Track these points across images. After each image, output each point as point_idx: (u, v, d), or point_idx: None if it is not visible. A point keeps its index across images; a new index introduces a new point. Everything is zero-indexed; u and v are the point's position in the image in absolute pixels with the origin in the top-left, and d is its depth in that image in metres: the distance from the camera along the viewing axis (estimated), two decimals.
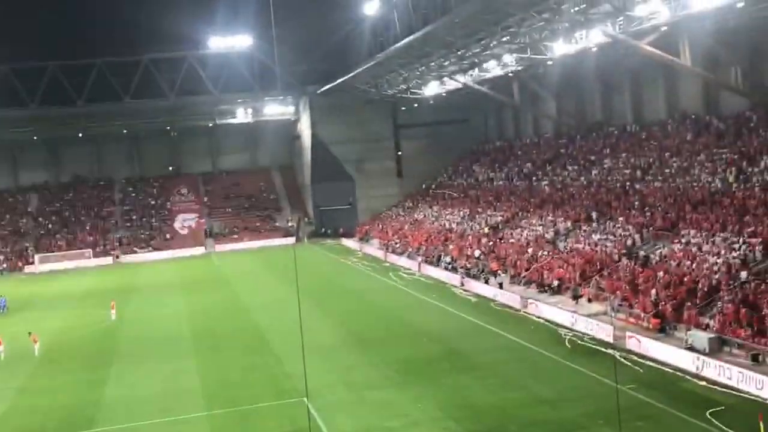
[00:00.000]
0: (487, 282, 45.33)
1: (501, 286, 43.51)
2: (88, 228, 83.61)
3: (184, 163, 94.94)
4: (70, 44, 79.28)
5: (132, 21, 79.00)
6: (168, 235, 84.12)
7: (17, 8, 79.46)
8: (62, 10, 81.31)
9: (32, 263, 75.46)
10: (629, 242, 41.24)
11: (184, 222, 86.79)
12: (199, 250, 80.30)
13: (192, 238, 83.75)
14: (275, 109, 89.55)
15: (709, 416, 21.95)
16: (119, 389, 30.30)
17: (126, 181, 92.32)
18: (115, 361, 35.06)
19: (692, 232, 37.62)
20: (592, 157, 57.63)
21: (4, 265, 75.73)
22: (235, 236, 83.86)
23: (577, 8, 38.90)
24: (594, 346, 30.86)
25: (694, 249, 35.86)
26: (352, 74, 68.27)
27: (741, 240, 33.95)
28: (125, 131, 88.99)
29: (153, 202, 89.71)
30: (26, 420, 27.28)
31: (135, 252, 79.83)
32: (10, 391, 31.13)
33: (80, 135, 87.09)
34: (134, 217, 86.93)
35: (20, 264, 76.01)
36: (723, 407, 22.80)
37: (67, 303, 53.46)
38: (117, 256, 78.27)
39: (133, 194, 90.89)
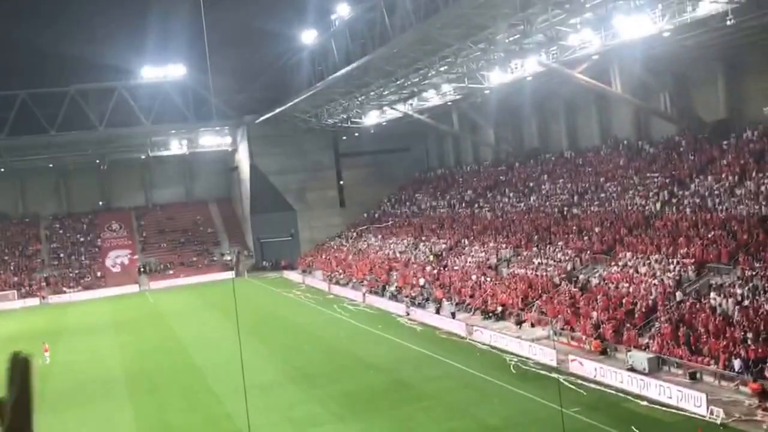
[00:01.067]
0: (438, 312, 45.86)
1: (454, 315, 43.85)
2: (12, 268, 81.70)
3: (116, 198, 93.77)
4: None
5: (58, 50, 78.37)
6: (99, 273, 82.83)
7: None
8: None
9: None
10: (569, 266, 42.89)
11: (117, 259, 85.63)
12: (133, 288, 79.25)
13: (125, 276, 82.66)
14: (211, 140, 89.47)
15: None
16: None
17: (53, 217, 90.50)
18: (43, 408, 34.23)
19: (628, 254, 39.48)
20: (531, 184, 59.67)
21: None
22: (171, 272, 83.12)
23: (511, 38, 40.68)
24: (538, 371, 32.02)
25: (630, 271, 37.63)
26: (291, 103, 69.17)
27: (675, 261, 35.83)
28: (51, 165, 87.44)
29: (82, 239, 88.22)
30: None
31: (64, 292, 78.33)
32: None
33: (2, 170, 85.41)
34: (62, 255, 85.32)
35: None
36: (664, 425, 24.10)
37: None
38: (44, 297, 76.67)
39: (61, 231, 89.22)
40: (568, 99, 58.72)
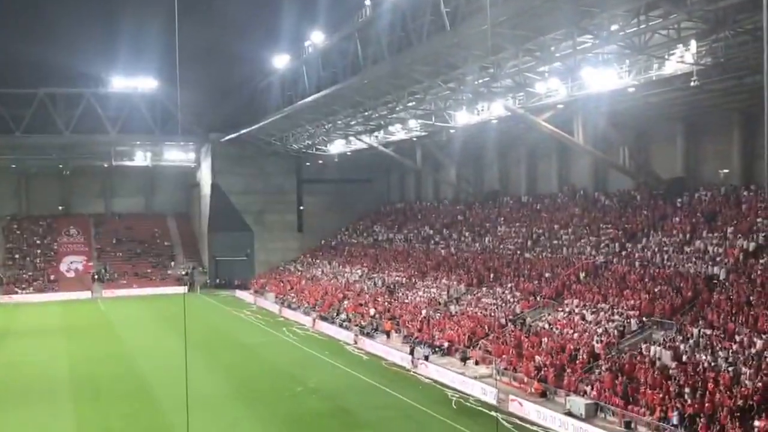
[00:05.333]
0: (412, 353, 41.14)
1: (427, 358, 40.28)
2: None
3: (76, 203, 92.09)
4: None
5: (29, 52, 76.98)
6: (53, 277, 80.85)
7: None
8: None
9: None
10: (516, 308, 42.91)
11: (71, 264, 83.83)
12: (85, 294, 77.52)
13: (78, 282, 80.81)
14: (175, 155, 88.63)
15: None
16: None
17: (11, 217, 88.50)
18: None
19: (576, 301, 39.66)
20: (487, 225, 59.94)
21: None
22: (125, 282, 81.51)
23: (480, 80, 41.00)
24: (479, 408, 31.76)
25: (576, 318, 37.74)
26: (257, 125, 68.82)
27: (620, 312, 36.06)
28: (14, 166, 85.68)
29: (39, 242, 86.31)
30: None
31: (16, 292, 76.26)
32: None
33: None
34: (17, 256, 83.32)
35: None
36: None
37: None
38: None
39: (18, 232, 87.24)
40: (531, 145, 59.34)
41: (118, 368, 41.70)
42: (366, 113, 55.31)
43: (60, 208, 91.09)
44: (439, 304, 49.45)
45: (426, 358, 40.26)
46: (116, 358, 44.64)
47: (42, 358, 44.86)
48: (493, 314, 43.48)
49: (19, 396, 35.53)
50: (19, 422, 30.82)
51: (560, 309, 39.98)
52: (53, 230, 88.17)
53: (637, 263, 40.92)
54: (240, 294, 76.45)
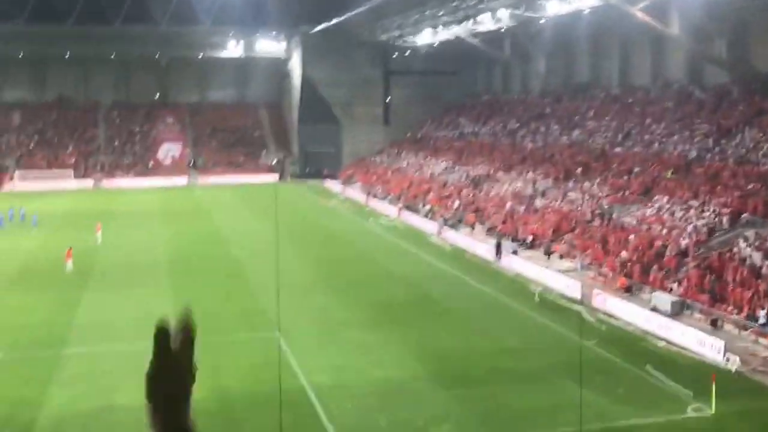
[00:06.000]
0: (498, 246, 40.13)
1: (515, 253, 39.62)
2: (70, 149, 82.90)
3: (172, 93, 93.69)
4: None
5: None
6: (151, 163, 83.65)
7: None
8: None
9: (12, 180, 74.94)
10: (604, 203, 41.92)
11: (168, 152, 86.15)
12: (181, 181, 79.99)
13: (175, 168, 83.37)
14: (267, 46, 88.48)
15: (664, 375, 22.79)
16: (92, 312, 30.15)
17: (111, 105, 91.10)
18: (91, 284, 34.96)
19: (665, 198, 38.38)
20: (576, 118, 58.00)
21: None
22: (219, 170, 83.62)
23: None
24: (562, 302, 31.64)
25: (665, 215, 36.61)
26: (346, 15, 67.53)
27: (711, 209, 34.74)
28: (114, 56, 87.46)
29: (137, 129, 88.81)
30: None
31: (116, 177, 79.44)
32: None
33: (67, 55, 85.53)
34: (117, 143, 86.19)
35: None
36: (679, 367, 23.71)
37: (48, 223, 53.12)
38: (98, 180, 77.85)
39: (118, 120, 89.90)
40: (623, 36, 56.26)
41: (213, 252, 42.91)
42: (454, 3, 53.43)
43: (157, 97, 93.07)
44: (525, 197, 48.79)
45: (514, 253, 39.86)
46: (212, 243, 46.02)
47: (142, 240, 46.62)
48: (579, 209, 42.66)
49: (121, 275, 36.81)
50: (120, 299, 31.96)
51: (649, 205, 38.82)
52: (151, 119, 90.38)
53: (730, 160, 39.06)
54: (328, 184, 77.44)
